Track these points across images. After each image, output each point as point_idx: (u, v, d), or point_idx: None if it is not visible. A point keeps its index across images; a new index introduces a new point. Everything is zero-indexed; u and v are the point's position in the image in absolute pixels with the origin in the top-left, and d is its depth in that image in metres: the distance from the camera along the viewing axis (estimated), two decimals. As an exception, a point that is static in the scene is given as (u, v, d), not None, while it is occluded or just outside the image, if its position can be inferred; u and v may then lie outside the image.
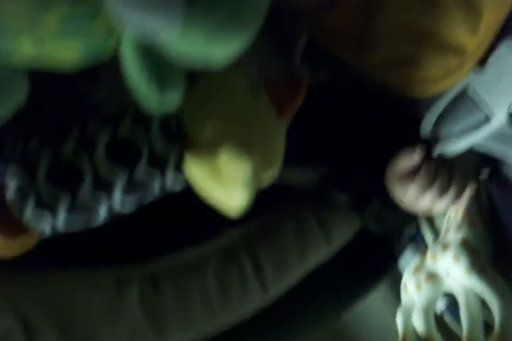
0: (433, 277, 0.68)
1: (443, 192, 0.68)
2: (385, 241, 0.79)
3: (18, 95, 0.40)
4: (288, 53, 0.74)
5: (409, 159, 0.68)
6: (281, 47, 0.73)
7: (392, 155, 0.71)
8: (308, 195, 0.77)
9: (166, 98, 0.39)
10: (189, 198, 0.52)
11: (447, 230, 0.72)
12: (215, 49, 0.37)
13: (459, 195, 0.68)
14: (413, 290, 0.68)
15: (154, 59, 0.37)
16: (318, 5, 0.69)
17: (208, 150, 0.48)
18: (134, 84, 0.39)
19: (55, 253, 0.61)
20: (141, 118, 0.48)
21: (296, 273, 0.70)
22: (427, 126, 0.70)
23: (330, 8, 0.68)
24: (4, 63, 0.38)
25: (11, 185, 0.47)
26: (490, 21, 0.63)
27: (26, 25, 0.36)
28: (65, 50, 0.38)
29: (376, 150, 0.74)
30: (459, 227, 0.70)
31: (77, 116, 0.51)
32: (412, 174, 0.68)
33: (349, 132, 0.75)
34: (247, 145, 0.47)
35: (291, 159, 0.60)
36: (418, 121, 0.71)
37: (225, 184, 0.47)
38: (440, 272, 0.68)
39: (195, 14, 0.34)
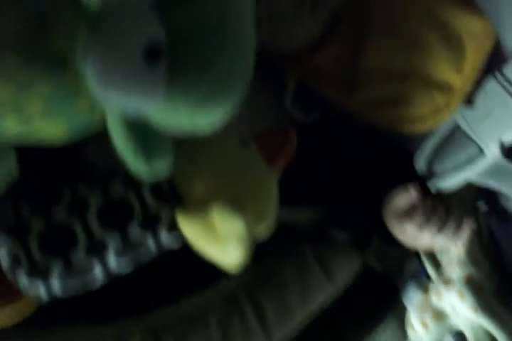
0: (439, 315, 0.68)
1: (441, 228, 0.68)
2: (388, 278, 0.78)
3: (7, 170, 0.41)
4: (278, 96, 0.75)
5: (405, 196, 0.68)
6: (271, 91, 0.74)
7: (388, 192, 0.71)
8: (306, 234, 0.77)
9: (154, 167, 0.39)
10: (186, 248, 0.52)
11: (449, 265, 0.72)
12: (200, 119, 0.38)
13: (457, 230, 0.68)
14: (421, 330, 0.68)
15: (140, 130, 0.37)
16: (306, 48, 0.69)
17: (200, 207, 0.48)
18: (121, 154, 0.39)
19: (56, 309, 0.61)
20: (132, 178, 0.49)
21: (299, 317, 0.69)
22: (420, 162, 0.70)
23: (317, 50, 0.69)
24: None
25: (3, 253, 0.47)
26: (474, 59, 0.64)
27: (10, 107, 0.36)
28: (51, 128, 0.38)
29: (372, 187, 0.74)
30: (462, 263, 0.70)
31: (68, 177, 0.51)
32: (409, 211, 0.68)
33: (343, 170, 0.75)
34: (239, 201, 0.47)
35: (287, 200, 0.60)
36: (411, 156, 0.72)
37: (220, 241, 0.47)
38: (446, 309, 0.68)
39: (177, 91, 0.35)
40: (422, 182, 0.70)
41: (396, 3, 0.64)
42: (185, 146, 0.49)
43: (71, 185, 0.51)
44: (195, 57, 0.35)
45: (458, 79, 0.65)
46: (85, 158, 0.53)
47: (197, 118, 0.37)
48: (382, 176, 0.74)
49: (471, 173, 0.67)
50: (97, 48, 0.32)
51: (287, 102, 0.75)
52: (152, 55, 0.34)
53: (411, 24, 0.64)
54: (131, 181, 0.49)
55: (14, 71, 0.35)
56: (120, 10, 0.33)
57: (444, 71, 0.65)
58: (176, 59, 0.34)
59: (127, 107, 0.35)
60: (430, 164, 0.69)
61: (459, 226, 0.68)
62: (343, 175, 0.75)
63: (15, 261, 0.47)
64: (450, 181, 0.68)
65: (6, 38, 0.35)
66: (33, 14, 0.35)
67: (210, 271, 0.64)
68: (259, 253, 0.57)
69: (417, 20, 0.64)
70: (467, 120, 0.65)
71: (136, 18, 0.33)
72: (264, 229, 0.52)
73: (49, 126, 0.38)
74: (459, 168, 0.67)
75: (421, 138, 0.69)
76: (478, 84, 0.65)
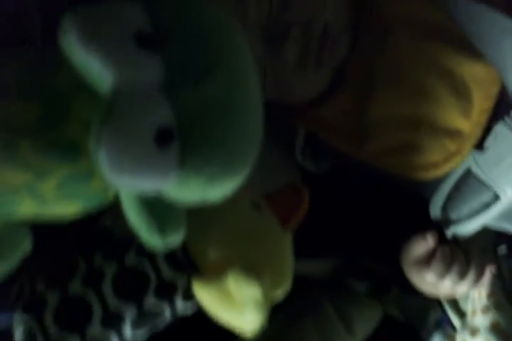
0: (467, 365, 0.66)
1: (462, 275, 0.67)
2: (411, 327, 0.76)
3: (23, 247, 0.41)
4: (288, 149, 0.75)
5: (423, 245, 0.67)
6: (280, 145, 0.74)
7: (404, 239, 0.70)
8: (324, 285, 0.76)
9: (168, 240, 0.39)
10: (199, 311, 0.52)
11: (474, 313, 0.70)
12: (213, 192, 0.38)
13: (479, 276, 0.67)
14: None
15: (153, 205, 0.38)
16: (312, 101, 0.69)
17: (215, 274, 0.47)
18: (134, 227, 0.39)
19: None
20: (146, 247, 0.48)
21: None
22: (435, 209, 0.69)
23: (323, 103, 0.69)
24: (7, 221, 0.39)
25: (19, 330, 0.47)
26: (481, 104, 0.64)
27: (26, 191, 0.37)
28: (65, 207, 0.39)
29: (387, 235, 0.73)
30: (486, 309, 0.68)
31: (83, 246, 0.51)
32: (428, 260, 0.67)
33: (357, 219, 0.75)
34: (254, 266, 0.47)
35: (302, 252, 0.59)
36: (425, 202, 0.71)
37: (236, 307, 0.47)
38: (473, 359, 0.66)
39: (189, 170, 0.35)
40: (438, 228, 0.69)
41: (400, 54, 0.65)
42: (197, 213, 0.49)
43: (86, 254, 0.50)
44: (205, 136, 0.35)
45: (467, 125, 0.65)
46: (101, 226, 0.52)
47: (209, 191, 0.38)
48: (397, 223, 0.73)
49: (488, 218, 0.66)
50: (109, 136, 0.33)
51: (297, 154, 0.75)
52: (163, 138, 0.34)
53: (416, 74, 0.64)
54: (145, 250, 0.49)
55: (28, 157, 0.36)
56: (131, 95, 0.33)
57: (453, 117, 0.65)
58: (186, 139, 0.35)
59: (140, 188, 0.36)
60: (445, 210, 0.69)
61: (480, 272, 0.67)
62: (357, 224, 0.74)
63: (30, 337, 0.46)
64: (467, 227, 0.67)
65: (21, 125, 0.36)
66: (47, 102, 0.36)
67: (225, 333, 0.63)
68: (278, 307, 0.56)
69: (422, 69, 0.64)
70: (480, 165, 0.65)
71: (147, 102, 0.34)
72: (281, 292, 0.51)
73: (64, 206, 0.38)
74: (474, 213, 0.66)
75: (434, 184, 0.69)
76: (487, 129, 0.64)
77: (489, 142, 0.64)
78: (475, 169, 0.66)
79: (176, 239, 0.39)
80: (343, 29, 0.65)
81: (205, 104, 0.35)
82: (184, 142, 0.35)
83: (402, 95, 0.65)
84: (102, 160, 0.34)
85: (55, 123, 0.36)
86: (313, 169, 0.76)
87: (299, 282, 0.70)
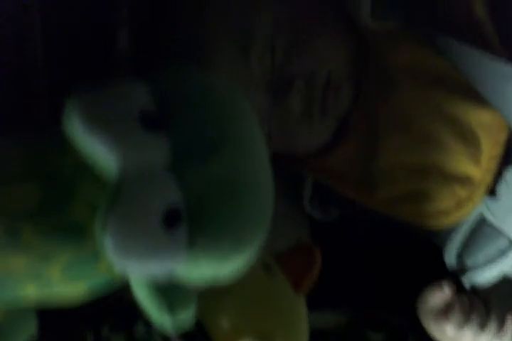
0: None
1: (483, 326, 0.65)
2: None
3: (28, 332, 0.40)
4: (296, 198, 0.73)
5: (439, 295, 0.65)
6: (287, 196, 0.73)
7: (420, 289, 0.69)
8: (340, 337, 0.74)
9: (178, 319, 0.37)
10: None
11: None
12: (223, 270, 0.37)
13: (500, 326, 0.65)
14: None
15: (162, 286, 0.36)
16: (317, 151, 0.69)
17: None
18: (144, 309, 0.38)
19: None
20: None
21: None
22: (450, 257, 0.68)
23: (329, 153, 0.68)
24: (11, 307, 0.38)
25: None
26: (490, 150, 0.64)
27: (30, 276, 0.36)
28: (71, 289, 0.37)
29: (402, 285, 0.72)
30: (509, 360, 0.66)
31: (92, 318, 0.50)
32: (446, 310, 0.65)
33: (370, 268, 0.73)
34: (268, 334, 0.45)
35: (316, 305, 0.58)
36: (439, 250, 0.69)
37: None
38: None
39: (199, 250, 0.34)
40: (454, 277, 0.68)
41: (404, 102, 0.64)
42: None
43: (94, 326, 0.49)
44: (214, 216, 0.34)
45: (477, 172, 0.64)
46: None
47: (220, 270, 0.36)
48: (411, 272, 0.72)
49: (505, 265, 0.65)
50: (115, 223, 0.32)
51: (305, 203, 0.73)
52: (171, 220, 0.33)
53: (422, 121, 0.64)
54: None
55: (32, 242, 0.35)
56: (137, 179, 0.33)
57: (462, 164, 0.64)
58: (195, 219, 0.34)
59: (148, 272, 0.34)
60: (461, 258, 0.67)
61: (501, 322, 0.65)
62: (370, 274, 0.73)
63: None
64: (484, 275, 0.66)
65: (23, 209, 0.35)
66: (52, 185, 0.35)
67: None
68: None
69: (427, 117, 0.63)
70: (493, 212, 0.64)
71: (153, 184, 0.33)
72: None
73: (69, 289, 0.37)
74: (491, 261, 0.65)
75: (447, 231, 0.67)
76: (498, 175, 0.63)
77: (501, 189, 0.63)
78: (488, 216, 0.64)
79: (186, 317, 0.38)
80: (346, 78, 0.65)
81: (212, 183, 0.34)
82: (192, 222, 0.34)
83: (408, 143, 0.65)
84: (108, 246, 0.33)
85: (60, 206, 0.35)
86: (322, 218, 0.75)
87: (314, 336, 0.68)
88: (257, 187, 0.36)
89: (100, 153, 0.33)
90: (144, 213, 0.33)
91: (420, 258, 0.72)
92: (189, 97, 0.35)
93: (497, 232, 0.64)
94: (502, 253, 0.64)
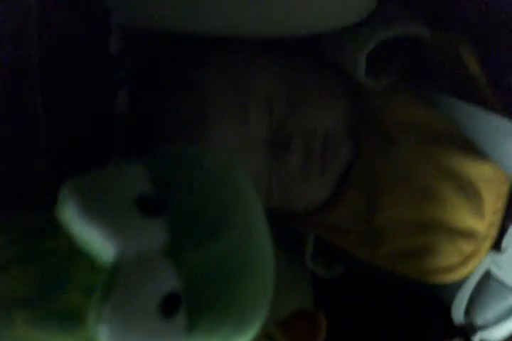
0: None
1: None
2: None
3: None
4: (297, 255, 0.72)
5: None
6: (290, 250, 0.71)
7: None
8: None
9: None
10: None
11: None
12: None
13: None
14: None
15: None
16: (317, 207, 0.68)
17: None
18: None
19: None
20: None
21: None
22: (457, 314, 0.66)
23: (329, 209, 0.67)
24: None
25: None
26: (492, 203, 0.62)
27: None
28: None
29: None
30: None
31: None
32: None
33: (375, 325, 0.71)
34: None
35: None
36: (446, 306, 0.67)
37: None
38: None
39: (198, 336, 0.32)
40: (463, 334, 0.66)
41: (403, 158, 0.64)
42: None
43: None
44: (214, 299, 0.33)
45: (481, 226, 0.62)
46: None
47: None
48: (419, 330, 0.69)
49: (517, 322, 0.63)
50: (110, 313, 0.31)
51: (308, 260, 0.72)
52: (169, 306, 0.32)
53: (422, 176, 0.63)
54: None
55: (24, 331, 0.33)
56: (133, 266, 0.32)
57: (465, 218, 0.62)
58: (194, 304, 0.33)
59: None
60: (469, 315, 0.65)
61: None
62: (375, 331, 0.71)
63: None
64: (495, 333, 0.64)
65: (16, 297, 0.33)
66: (46, 271, 0.34)
67: None
68: None
69: (427, 172, 0.63)
70: (500, 267, 0.62)
71: (151, 271, 0.32)
72: None
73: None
74: (502, 318, 0.63)
75: (454, 287, 0.66)
76: (503, 229, 0.62)
77: (506, 243, 0.62)
78: (495, 271, 0.63)
79: None
80: (344, 134, 0.65)
81: (212, 266, 0.33)
82: (192, 307, 0.32)
83: (409, 198, 0.64)
84: (103, 335, 0.31)
85: (55, 293, 0.34)
86: (325, 274, 0.73)
87: None
88: (259, 268, 0.35)
89: (95, 239, 0.31)
90: (141, 301, 0.31)
91: (427, 315, 0.70)
92: (188, 180, 0.35)
93: (505, 288, 0.62)
94: (512, 311, 0.62)
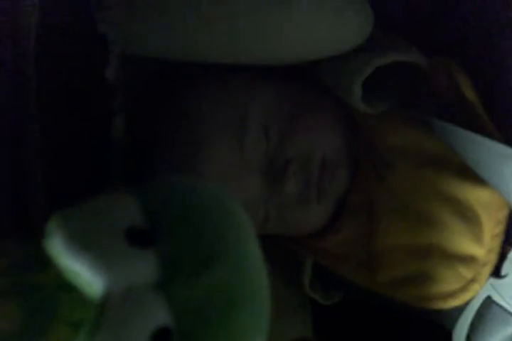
0: None
1: None
2: None
3: None
4: (297, 281, 0.70)
5: None
6: (288, 277, 0.70)
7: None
8: None
9: None
10: None
11: None
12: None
13: None
14: None
15: None
16: (315, 233, 0.67)
17: None
18: None
19: None
20: None
21: None
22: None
23: (326, 235, 0.66)
24: None
25: None
26: (491, 229, 0.61)
27: None
28: None
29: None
30: None
31: None
32: None
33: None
34: None
35: None
36: (448, 332, 0.66)
37: None
38: None
39: None
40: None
41: (400, 183, 0.63)
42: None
43: None
44: (207, 334, 0.32)
45: (481, 251, 0.61)
46: None
47: None
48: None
49: (520, 350, 0.61)
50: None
51: (306, 287, 0.71)
52: (161, 341, 0.30)
53: (419, 202, 0.62)
54: None
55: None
56: (122, 300, 0.30)
57: (464, 243, 0.61)
58: (186, 337, 0.31)
59: None
60: (471, 342, 0.63)
61: None
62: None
63: None
64: (498, 361, 0.62)
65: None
66: (32, 305, 0.32)
67: None
68: None
69: (425, 197, 0.62)
70: (500, 293, 0.61)
71: (141, 305, 0.31)
72: None
73: None
74: (506, 346, 0.61)
75: (454, 313, 0.64)
76: (502, 254, 0.61)
77: (506, 269, 0.60)
78: (496, 297, 0.61)
79: None
80: (341, 159, 0.64)
81: (204, 301, 0.32)
82: (184, 339, 0.31)
83: (407, 224, 0.63)
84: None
85: (41, 328, 0.32)
86: (324, 301, 0.71)
87: None
88: (252, 301, 0.34)
89: (83, 272, 0.30)
90: (130, 337, 0.30)
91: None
92: (180, 212, 0.34)
93: (507, 315, 0.61)
94: (515, 338, 0.61)
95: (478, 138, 0.58)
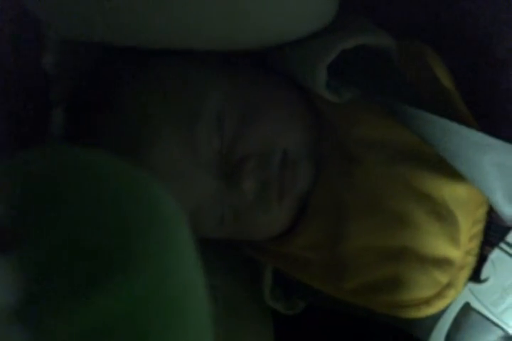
0: None
1: None
2: None
3: None
4: (256, 290, 0.62)
5: None
6: (246, 285, 0.63)
7: None
8: None
9: None
10: None
11: None
12: None
13: None
14: None
15: None
16: (276, 236, 0.59)
17: None
18: None
19: None
20: None
21: None
22: (435, 352, 0.56)
23: (289, 238, 0.58)
24: None
25: None
26: (468, 228, 0.54)
27: None
28: None
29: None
30: None
31: None
32: None
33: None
34: None
35: None
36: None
37: None
38: None
39: None
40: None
41: (369, 179, 0.55)
42: None
43: None
44: None
45: (457, 253, 0.54)
46: None
47: None
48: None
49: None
50: None
51: (266, 296, 0.62)
52: None
53: (391, 200, 0.54)
54: None
55: None
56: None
57: (439, 245, 0.54)
58: None
59: None
60: (449, 353, 0.55)
61: None
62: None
63: None
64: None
65: None
66: None
67: None
68: None
69: (396, 194, 0.54)
70: (480, 299, 0.53)
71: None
72: None
73: None
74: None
75: (429, 322, 0.56)
76: (482, 257, 0.53)
77: (487, 272, 0.53)
78: (475, 304, 0.54)
79: None
80: (304, 155, 0.56)
81: (99, 334, 0.20)
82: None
83: (377, 224, 0.55)
84: None
85: None
86: (285, 311, 0.62)
87: None
88: (177, 325, 0.23)
89: None
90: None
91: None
92: (70, 198, 0.21)
93: (488, 323, 0.53)
94: (498, 345, 0.53)
95: (455, 127, 0.50)
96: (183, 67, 0.55)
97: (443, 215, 0.53)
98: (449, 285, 0.54)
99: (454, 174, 0.52)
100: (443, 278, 0.54)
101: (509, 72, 0.53)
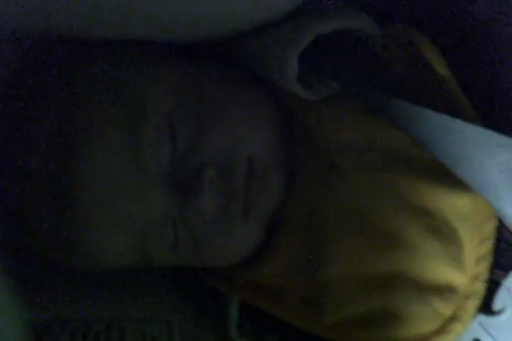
0: None
1: None
2: None
3: None
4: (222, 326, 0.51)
5: None
6: (210, 321, 0.52)
7: None
8: None
9: None
10: None
11: None
12: None
13: None
14: None
15: None
16: (242, 262, 0.49)
17: None
18: None
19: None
20: None
21: None
22: None
23: (258, 264, 0.48)
24: None
25: None
26: (474, 247, 0.44)
27: None
28: None
29: None
30: None
31: None
32: None
33: None
34: None
35: None
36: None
37: None
38: None
39: None
40: None
41: (353, 192, 0.45)
42: None
43: None
44: None
45: (461, 278, 0.44)
46: None
47: None
48: None
49: None
50: None
51: (231, 333, 0.51)
52: None
53: (380, 215, 0.44)
54: None
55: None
56: None
57: (439, 269, 0.44)
58: None
59: None
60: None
61: None
62: None
63: None
64: None
65: None
66: None
67: None
68: None
69: (385, 211, 0.44)
70: (493, 335, 0.44)
71: None
72: None
73: None
74: None
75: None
76: (493, 283, 0.43)
77: (501, 302, 0.42)
78: (486, 340, 0.42)
79: None
80: (273, 164, 0.46)
81: None
82: None
83: (363, 245, 0.44)
84: None
85: None
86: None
87: None
88: None
89: None
90: None
91: None
92: None
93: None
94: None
95: (458, 125, 0.39)
96: (122, 55, 0.45)
97: (442, 232, 0.43)
98: (453, 318, 0.44)
99: (455, 182, 0.42)
100: (445, 309, 0.43)
101: (509, 72, 0.44)
